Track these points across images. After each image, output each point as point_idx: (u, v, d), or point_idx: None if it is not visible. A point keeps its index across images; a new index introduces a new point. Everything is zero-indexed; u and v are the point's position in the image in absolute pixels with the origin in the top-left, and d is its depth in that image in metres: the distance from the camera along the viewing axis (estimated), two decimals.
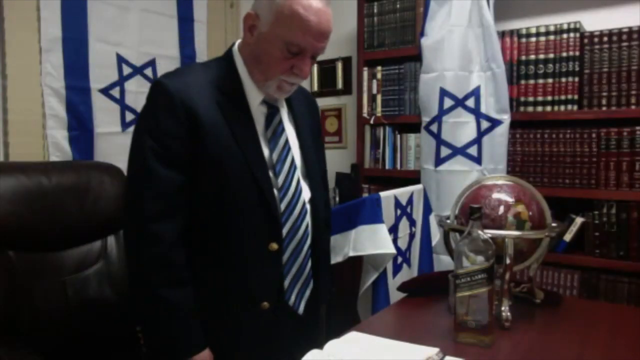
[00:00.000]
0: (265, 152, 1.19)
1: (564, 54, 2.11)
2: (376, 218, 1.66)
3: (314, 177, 1.30)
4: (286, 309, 1.23)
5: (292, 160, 1.23)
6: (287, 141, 1.24)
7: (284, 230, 1.20)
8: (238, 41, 1.24)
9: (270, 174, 1.19)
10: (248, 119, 1.18)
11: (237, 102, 1.18)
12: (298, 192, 1.23)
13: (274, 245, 1.18)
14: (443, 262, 2.05)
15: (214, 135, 1.12)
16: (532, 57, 2.17)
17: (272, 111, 1.24)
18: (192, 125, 1.11)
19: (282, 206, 1.19)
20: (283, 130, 1.24)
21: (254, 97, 1.20)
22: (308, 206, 1.26)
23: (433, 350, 1.00)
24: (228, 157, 1.13)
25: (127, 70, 2.29)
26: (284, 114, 1.28)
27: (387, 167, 2.56)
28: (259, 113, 1.21)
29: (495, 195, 1.28)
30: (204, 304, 1.15)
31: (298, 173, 1.24)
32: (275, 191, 1.19)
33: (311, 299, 1.29)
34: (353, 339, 1.07)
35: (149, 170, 1.10)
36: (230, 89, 1.18)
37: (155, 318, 1.13)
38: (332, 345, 1.03)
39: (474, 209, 1.11)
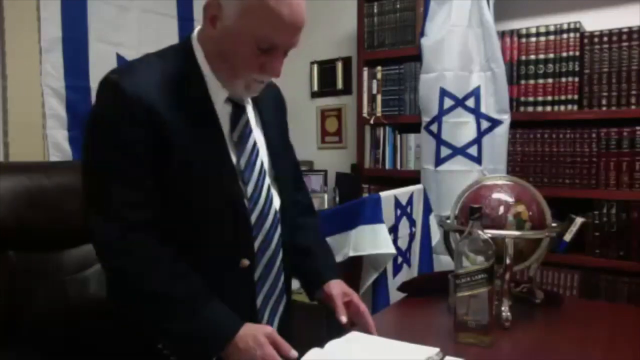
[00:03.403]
0: (233, 158, 1.07)
1: (564, 54, 2.11)
2: (376, 218, 1.66)
3: (283, 179, 1.19)
4: None
5: (262, 166, 1.12)
6: (255, 144, 1.12)
7: (256, 244, 1.09)
8: (197, 28, 1.09)
9: (239, 182, 1.07)
10: (213, 121, 1.06)
11: (200, 101, 1.05)
12: (269, 201, 1.12)
13: (245, 262, 1.07)
14: (443, 262, 2.05)
15: (179, 140, 0.99)
16: (532, 57, 2.17)
17: (238, 111, 1.10)
18: (154, 131, 0.97)
19: (253, 218, 1.08)
20: (250, 132, 1.12)
21: (218, 95, 1.07)
22: (279, 215, 1.15)
23: (433, 350, 1.00)
24: (194, 166, 1.01)
25: None
26: (250, 111, 1.15)
27: (387, 167, 2.56)
28: (223, 113, 1.08)
29: (495, 195, 1.28)
30: None
31: (267, 179, 1.13)
32: (245, 201, 1.07)
33: (284, 315, 1.19)
34: (353, 339, 1.07)
35: (109, 192, 1.01)
36: (192, 86, 1.04)
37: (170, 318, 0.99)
38: (332, 345, 1.03)
39: (474, 209, 1.11)
